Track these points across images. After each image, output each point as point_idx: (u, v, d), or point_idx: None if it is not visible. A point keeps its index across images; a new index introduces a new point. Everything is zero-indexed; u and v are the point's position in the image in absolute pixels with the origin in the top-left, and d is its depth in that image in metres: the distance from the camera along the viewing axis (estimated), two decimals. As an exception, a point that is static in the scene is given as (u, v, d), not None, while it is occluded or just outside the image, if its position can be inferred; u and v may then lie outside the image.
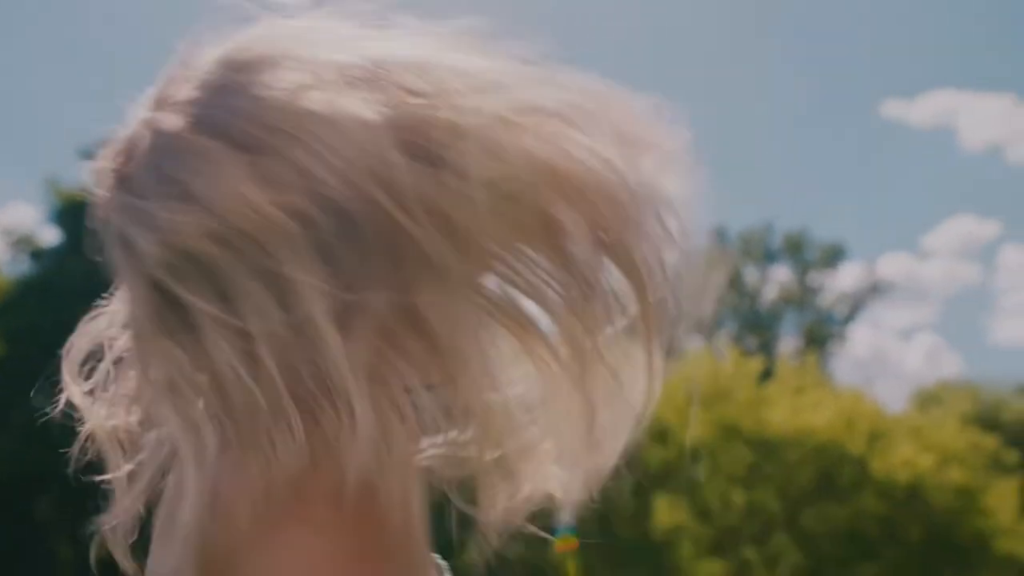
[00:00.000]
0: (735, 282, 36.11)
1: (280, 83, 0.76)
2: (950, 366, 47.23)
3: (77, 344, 0.96)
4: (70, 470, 0.96)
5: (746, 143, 51.04)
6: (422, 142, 0.74)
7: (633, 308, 0.82)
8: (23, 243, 27.55)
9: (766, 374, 22.45)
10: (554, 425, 0.86)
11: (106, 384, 0.91)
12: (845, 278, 44.32)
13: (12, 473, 20.06)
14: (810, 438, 20.29)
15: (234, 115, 0.76)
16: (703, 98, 50.02)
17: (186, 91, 0.80)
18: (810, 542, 19.96)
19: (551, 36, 0.81)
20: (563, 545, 1.22)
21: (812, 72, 51.19)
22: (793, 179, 50.36)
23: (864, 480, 20.18)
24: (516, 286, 0.77)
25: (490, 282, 0.77)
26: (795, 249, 36.50)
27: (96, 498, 0.95)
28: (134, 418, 0.89)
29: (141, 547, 0.89)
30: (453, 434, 0.81)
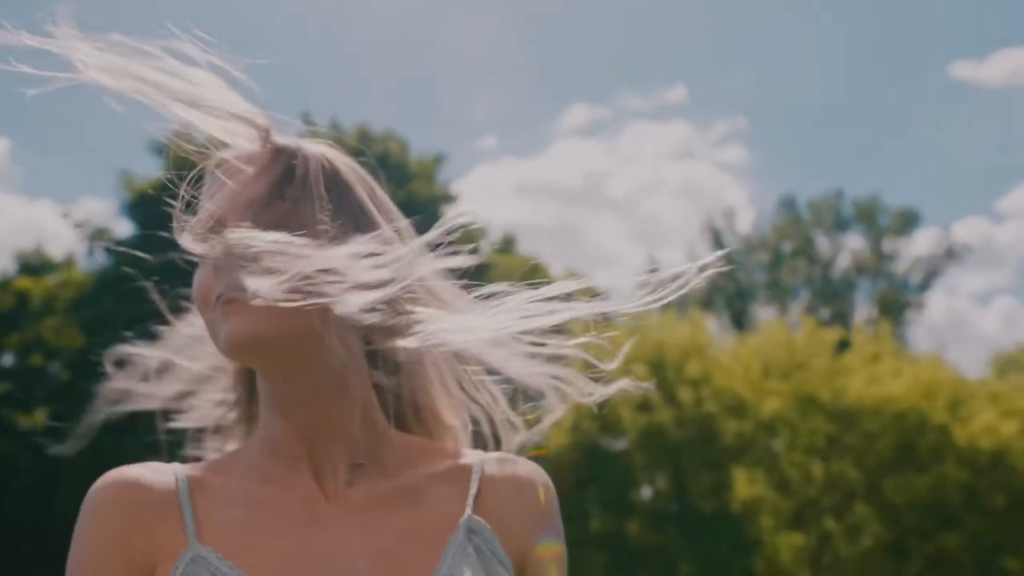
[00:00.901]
0: (807, 252, 35.70)
1: None
2: (1030, 330, 46.24)
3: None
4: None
5: (814, 110, 50.39)
6: None
7: None
8: (98, 236, 28.02)
9: (842, 344, 22.18)
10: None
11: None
12: (919, 244, 43.62)
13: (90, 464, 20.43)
14: (889, 407, 20.02)
15: None
16: (769, 65, 49.42)
17: None
18: (891, 512, 19.72)
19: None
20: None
21: (880, 35, 50.29)
22: (863, 145, 49.56)
23: (945, 448, 19.88)
24: None
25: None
26: (867, 216, 35.97)
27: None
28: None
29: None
30: None
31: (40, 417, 21.80)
